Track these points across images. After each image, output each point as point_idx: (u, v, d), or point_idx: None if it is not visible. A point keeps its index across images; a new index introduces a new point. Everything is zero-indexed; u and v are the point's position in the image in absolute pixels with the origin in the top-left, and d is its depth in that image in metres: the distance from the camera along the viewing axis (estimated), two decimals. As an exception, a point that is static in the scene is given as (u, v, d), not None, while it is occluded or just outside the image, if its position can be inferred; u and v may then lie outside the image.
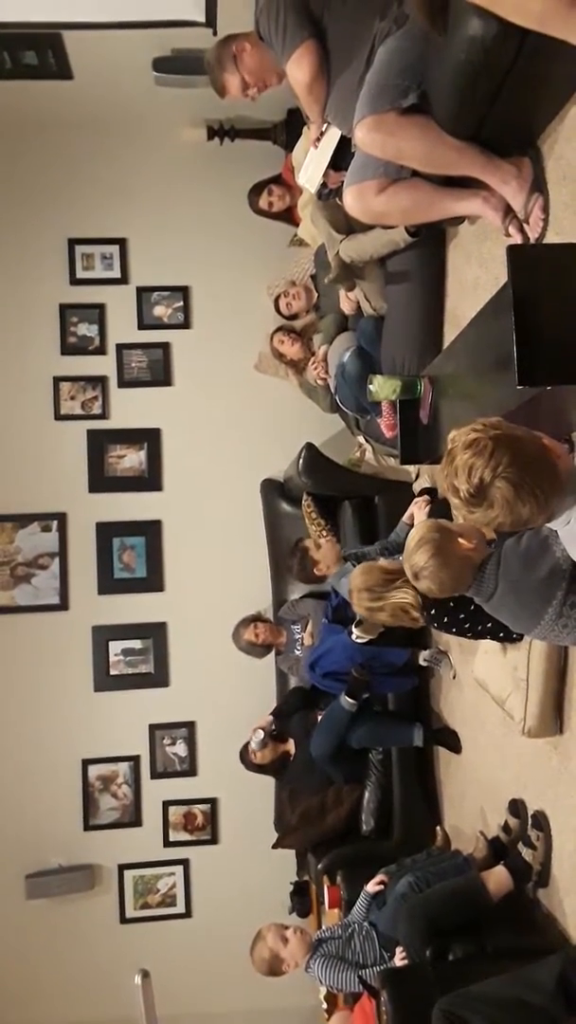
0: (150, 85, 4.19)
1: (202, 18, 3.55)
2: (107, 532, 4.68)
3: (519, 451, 1.68)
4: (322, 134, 2.96)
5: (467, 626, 2.65)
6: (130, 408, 4.76)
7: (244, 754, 4.12)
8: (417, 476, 3.94)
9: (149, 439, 4.75)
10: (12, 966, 4.45)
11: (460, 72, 2.22)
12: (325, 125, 2.91)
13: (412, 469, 3.94)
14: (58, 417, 4.71)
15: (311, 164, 3.10)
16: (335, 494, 4.18)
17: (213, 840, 4.66)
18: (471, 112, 2.38)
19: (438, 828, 3.70)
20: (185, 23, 3.60)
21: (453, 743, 3.61)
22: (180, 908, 4.62)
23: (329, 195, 3.20)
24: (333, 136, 2.93)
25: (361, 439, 4.26)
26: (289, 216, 4.50)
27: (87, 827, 4.59)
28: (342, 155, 2.93)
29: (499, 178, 2.48)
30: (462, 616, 2.61)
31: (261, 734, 3.98)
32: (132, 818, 4.62)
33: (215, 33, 3.54)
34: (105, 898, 4.58)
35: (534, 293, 1.92)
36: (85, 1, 3.51)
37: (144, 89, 4.24)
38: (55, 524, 4.66)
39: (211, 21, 3.56)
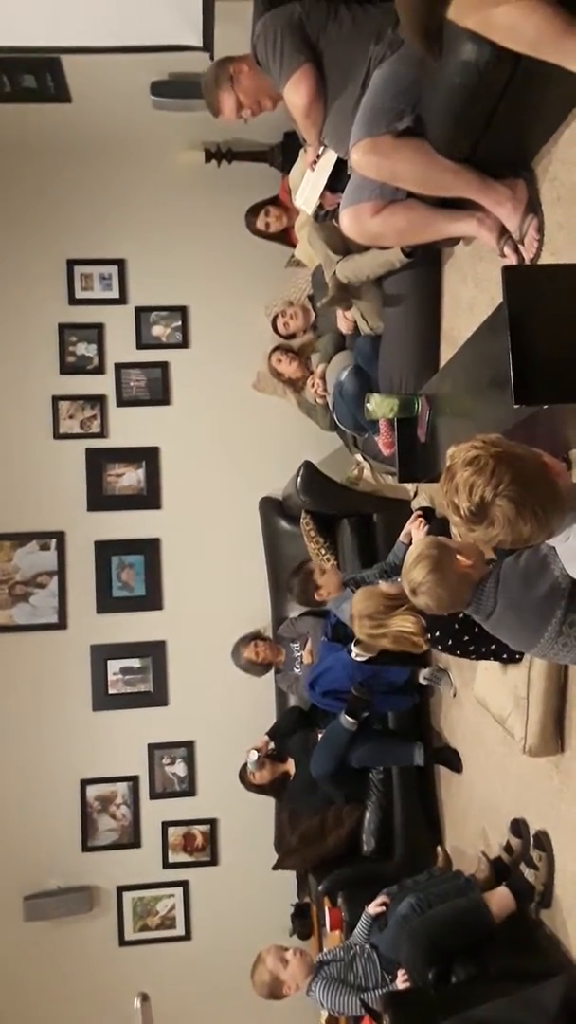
0: (148, 108, 4.23)
1: (199, 43, 3.58)
2: (106, 550, 4.68)
3: (520, 469, 1.67)
4: (319, 157, 3.00)
5: (471, 648, 2.64)
6: (129, 427, 4.77)
7: (243, 774, 4.10)
8: (415, 494, 3.95)
9: (148, 457, 4.76)
10: (10, 989, 4.40)
11: (455, 96, 2.25)
12: (321, 148, 2.95)
13: (410, 487, 3.95)
14: (57, 436, 4.72)
15: (308, 186, 3.13)
16: (333, 512, 4.18)
17: (213, 861, 4.62)
18: (466, 135, 2.40)
19: (439, 848, 3.68)
20: (182, 48, 3.63)
21: (454, 762, 3.60)
22: (180, 930, 4.58)
23: (326, 216, 3.24)
24: (329, 159, 2.96)
25: (359, 457, 4.27)
26: (286, 237, 4.54)
27: (85, 848, 4.56)
28: (338, 177, 2.96)
29: (494, 199, 2.51)
30: (466, 639, 2.61)
31: (255, 755, 3.96)
32: (131, 839, 4.59)
33: (212, 58, 3.57)
34: (104, 920, 4.54)
35: (529, 313, 1.93)
36: (84, 26, 3.54)
37: (142, 112, 4.29)
38: (53, 542, 4.66)
39: (208, 46, 3.59)
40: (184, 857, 4.61)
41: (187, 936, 4.58)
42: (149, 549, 4.72)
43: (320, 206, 3.17)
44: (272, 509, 4.64)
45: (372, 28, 2.58)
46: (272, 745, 4.07)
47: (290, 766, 4.05)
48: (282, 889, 4.35)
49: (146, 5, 3.45)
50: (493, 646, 2.55)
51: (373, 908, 3.14)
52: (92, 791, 4.58)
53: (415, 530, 3.39)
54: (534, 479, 1.68)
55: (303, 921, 4.26)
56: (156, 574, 4.71)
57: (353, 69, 2.62)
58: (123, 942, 4.55)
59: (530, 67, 2.08)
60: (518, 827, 2.91)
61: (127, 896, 4.56)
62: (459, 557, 2.13)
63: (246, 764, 4.06)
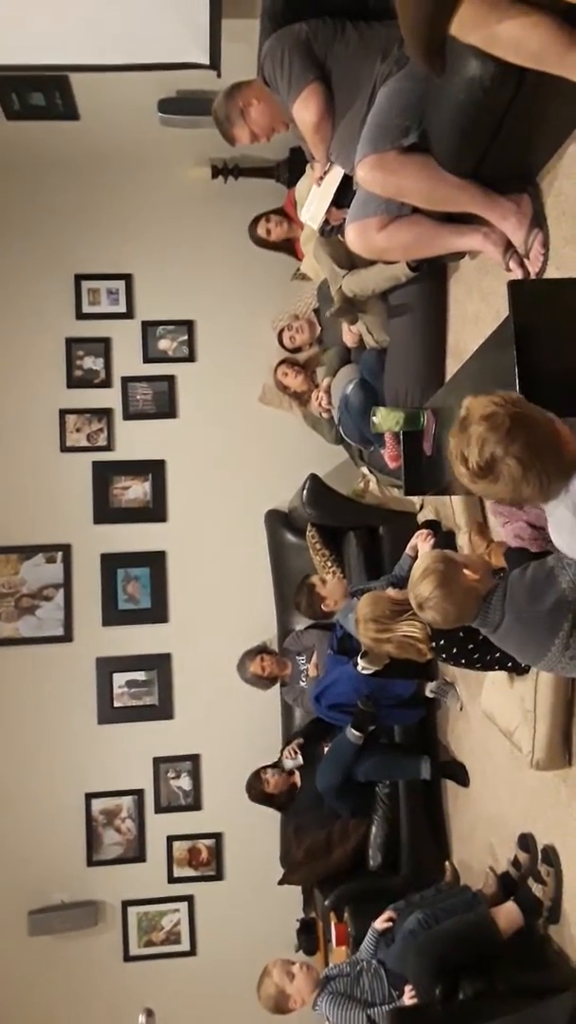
0: (155, 125, 4.27)
1: (206, 60, 3.62)
2: (112, 563, 4.69)
3: (534, 433, 1.69)
4: (325, 172, 3.02)
5: (475, 657, 2.63)
6: (135, 440, 4.79)
7: (252, 784, 4.09)
8: (421, 507, 3.95)
9: (154, 471, 4.78)
10: (14, 1004, 4.37)
11: (460, 112, 2.27)
12: (328, 164, 2.97)
13: (416, 500, 3.96)
14: (64, 449, 4.74)
15: (314, 201, 3.15)
16: (339, 525, 4.18)
17: (218, 876, 4.60)
18: (471, 150, 2.42)
19: (447, 863, 3.65)
20: (189, 65, 3.67)
21: (461, 776, 3.58)
22: (185, 946, 4.55)
23: (332, 232, 3.26)
24: (336, 174, 2.99)
25: (365, 470, 4.28)
26: (289, 246, 4.56)
27: (90, 863, 4.54)
28: (344, 193, 2.99)
29: (499, 214, 2.53)
30: (471, 647, 2.60)
31: (300, 758, 3.93)
32: (136, 853, 4.57)
33: (219, 75, 3.62)
34: (108, 935, 4.52)
35: (535, 327, 1.94)
36: (91, 44, 3.58)
37: (149, 129, 4.33)
38: (60, 555, 4.67)
39: (215, 64, 3.63)
40: (189, 872, 4.58)
41: (192, 951, 4.55)
42: (155, 562, 4.72)
43: (326, 221, 3.19)
44: (278, 522, 4.64)
45: (378, 46, 2.61)
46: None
47: (296, 778, 4.04)
48: (288, 904, 4.32)
49: (153, 23, 3.49)
50: (498, 654, 2.54)
51: (380, 923, 3.12)
52: (97, 805, 4.56)
53: (421, 543, 3.39)
54: (545, 445, 1.70)
55: (309, 936, 4.22)
56: (162, 587, 4.71)
57: (359, 86, 2.65)
58: (128, 957, 4.52)
59: (535, 82, 2.10)
60: (526, 841, 2.89)
61: (132, 911, 4.54)
62: (466, 571, 2.12)
63: (256, 773, 4.06)
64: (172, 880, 4.57)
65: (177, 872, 4.57)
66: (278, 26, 2.73)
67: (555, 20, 1.93)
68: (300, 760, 3.96)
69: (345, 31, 2.66)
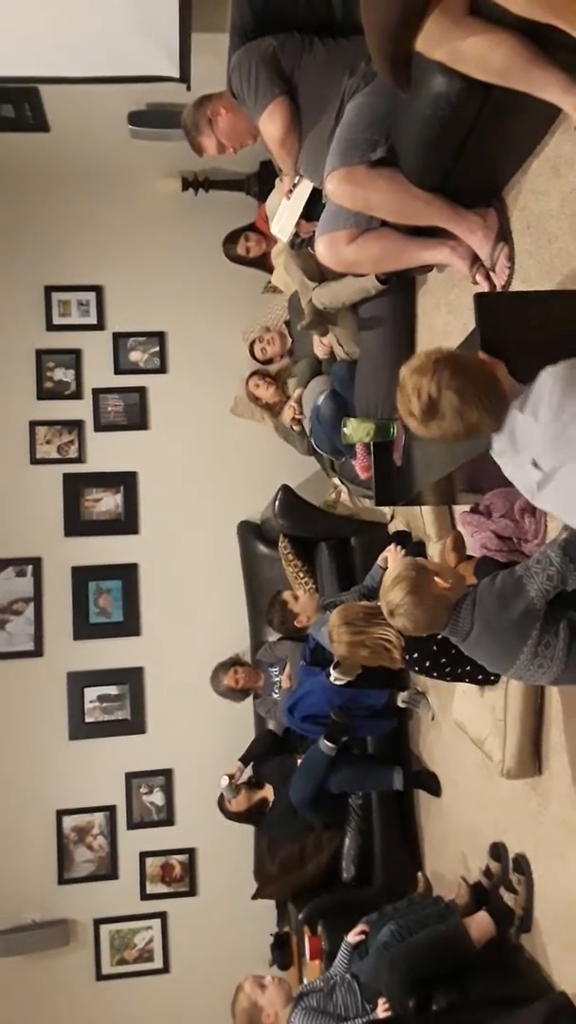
0: (126, 138, 4.28)
1: (176, 74, 3.64)
2: (83, 576, 4.65)
3: (458, 364, 1.83)
4: (294, 186, 3.04)
5: (447, 670, 2.65)
6: (106, 452, 4.77)
7: (222, 802, 4.06)
8: (392, 517, 3.97)
9: (125, 482, 4.75)
10: (-17, 1029, 4.30)
11: (427, 127, 2.30)
12: (297, 177, 2.99)
13: (387, 510, 3.97)
14: (34, 461, 4.70)
15: (284, 214, 3.18)
16: (311, 535, 4.19)
17: (191, 892, 4.55)
18: (437, 165, 2.45)
19: (419, 874, 3.65)
20: (159, 78, 3.69)
21: (433, 786, 3.59)
22: (158, 963, 4.50)
23: (301, 244, 3.28)
24: (305, 188, 3.01)
25: (336, 481, 4.29)
26: (264, 263, 4.58)
27: (62, 880, 4.47)
28: (314, 206, 3.01)
29: (466, 228, 2.56)
30: (443, 660, 2.61)
31: (226, 780, 3.94)
32: (108, 871, 4.52)
33: (189, 88, 3.63)
34: (81, 954, 4.45)
35: (500, 339, 1.96)
36: (62, 56, 3.59)
37: (120, 142, 4.33)
38: (30, 569, 4.63)
39: (185, 77, 3.65)
40: (162, 888, 4.54)
41: (165, 969, 4.50)
42: (127, 574, 4.69)
43: (296, 234, 3.21)
44: (250, 533, 4.64)
45: (346, 61, 2.63)
46: (248, 771, 4.03)
47: (268, 792, 4.02)
48: (262, 919, 4.29)
49: (123, 36, 3.50)
50: (469, 668, 2.56)
51: (352, 936, 3.10)
52: (68, 822, 4.51)
53: (392, 556, 3.40)
54: (473, 372, 1.83)
55: (283, 951, 4.19)
56: (134, 600, 4.68)
57: (327, 101, 2.67)
58: (100, 976, 4.45)
59: (500, 98, 2.13)
60: (497, 851, 2.90)
61: (104, 929, 4.48)
62: (436, 579, 2.13)
63: (221, 793, 4.02)
64: (145, 897, 4.52)
65: (150, 888, 4.53)
66: (247, 40, 2.75)
67: (519, 37, 1.96)
68: (226, 784, 3.95)
69: (313, 46, 2.69)
